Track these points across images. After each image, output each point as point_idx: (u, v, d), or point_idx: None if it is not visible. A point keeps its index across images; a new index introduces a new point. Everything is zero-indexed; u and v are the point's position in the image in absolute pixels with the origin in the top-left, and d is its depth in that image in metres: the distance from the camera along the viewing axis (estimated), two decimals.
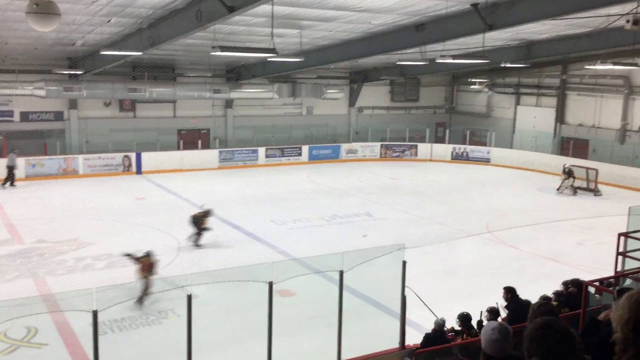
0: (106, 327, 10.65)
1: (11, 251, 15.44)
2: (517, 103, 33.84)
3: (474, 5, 14.98)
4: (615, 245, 11.53)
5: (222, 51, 13.61)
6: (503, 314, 9.21)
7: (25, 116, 26.62)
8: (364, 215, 20.17)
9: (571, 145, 29.74)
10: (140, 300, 11.72)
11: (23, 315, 7.33)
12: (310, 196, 23.34)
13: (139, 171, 27.30)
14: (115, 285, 9.67)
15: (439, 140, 34.80)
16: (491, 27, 15.17)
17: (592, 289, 8.94)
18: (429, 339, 8.76)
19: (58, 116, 27.36)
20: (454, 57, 17.60)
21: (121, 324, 11.02)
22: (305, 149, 31.71)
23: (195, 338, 7.63)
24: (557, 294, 9.86)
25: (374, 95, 35.27)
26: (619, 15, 15.17)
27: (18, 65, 25.19)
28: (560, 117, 31.13)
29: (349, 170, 29.46)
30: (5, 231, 17.28)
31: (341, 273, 8.57)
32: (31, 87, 24.99)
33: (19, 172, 24.06)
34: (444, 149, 33.19)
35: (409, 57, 23.34)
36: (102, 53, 19.01)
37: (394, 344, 9.14)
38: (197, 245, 15.91)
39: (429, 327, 9.13)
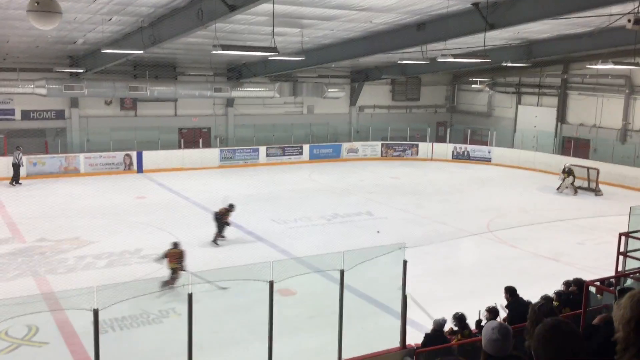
0: (107, 326, 10.66)
1: (12, 250, 15.46)
2: (518, 102, 33.82)
3: (475, 4, 14.96)
4: (616, 245, 11.53)
5: (223, 50, 13.60)
6: (503, 313, 9.21)
7: (26, 115, 26.63)
8: (364, 214, 20.18)
9: (572, 144, 29.72)
10: (165, 284, 12.03)
11: (24, 313, 7.35)
12: (311, 195, 23.35)
13: (140, 170, 27.31)
14: (116, 284, 9.66)
15: (440, 139, 34.79)
16: (492, 27, 15.15)
17: (593, 289, 8.94)
18: (428, 338, 8.77)
19: (59, 115, 27.37)
20: (455, 56, 17.56)
21: (122, 323, 11.03)
22: (306, 148, 31.71)
23: (196, 337, 7.63)
24: (558, 293, 9.85)
25: (375, 94, 35.27)
26: (620, 14, 15.15)
27: (19, 63, 25.19)
28: (561, 117, 31.11)
29: (349, 170, 29.46)
30: (7, 229, 17.30)
31: (342, 272, 8.58)
32: (32, 86, 25.00)
33: (20, 171, 24.07)
34: (445, 148, 33.18)
35: (410, 56, 23.31)
36: (103, 51, 18.99)
37: (395, 343, 9.15)
38: (218, 241, 16.19)
39: (430, 326, 9.12)
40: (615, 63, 19.96)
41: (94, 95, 26.72)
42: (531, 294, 9.50)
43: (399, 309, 9.19)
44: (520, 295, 9.48)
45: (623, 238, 11.55)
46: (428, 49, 21.68)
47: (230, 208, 16.45)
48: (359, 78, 33.49)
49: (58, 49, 23.53)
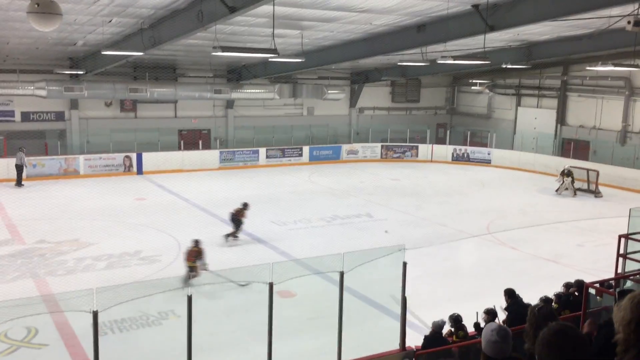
0: (106, 328, 10.65)
1: (12, 251, 15.45)
2: (518, 104, 33.84)
3: (475, 6, 14.97)
4: (616, 246, 11.52)
5: (223, 51, 13.61)
6: (502, 315, 9.20)
7: (26, 116, 26.63)
8: (364, 216, 20.17)
9: (572, 146, 29.72)
10: (185, 281, 12.23)
11: (23, 315, 7.33)
12: (310, 197, 23.35)
13: (139, 171, 27.31)
14: (116, 286, 9.66)
15: (440, 141, 34.79)
16: (492, 28, 15.16)
17: (592, 291, 8.94)
18: (428, 340, 8.76)
19: (59, 116, 27.37)
20: (455, 58, 17.57)
21: (121, 325, 11.02)
22: (306, 149, 31.72)
23: (196, 339, 7.62)
24: (558, 295, 9.85)
25: (375, 95, 35.29)
26: (620, 16, 15.16)
27: (19, 65, 25.21)
28: (561, 119, 31.13)
29: (349, 171, 29.47)
30: (6, 231, 17.29)
31: (341, 274, 8.57)
32: (32, 87, 25.01)
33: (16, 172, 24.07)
34: (445, 150, 33.19)
35: (410, 58, 23.34)
36: (103, 53, 19.01)
37: (395, 345, 9.14)
38: (231, 240, 16.46)
39: (429, 329, 9.11)
40: (615, 65, 19.98)
41: (94, 96, 26.72)
42: (531, 296, 9.50)
43: (398, 310, 9.19)
44: (520, 297, 9.48)
45: (623, 240, 11.55)
46: (428, 51, 21.69)
47: (244, 207, 16.79)
48: (358, 80, 33.50)
49: (58, 51, 23.55)
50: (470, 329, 9.11)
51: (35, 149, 25.94)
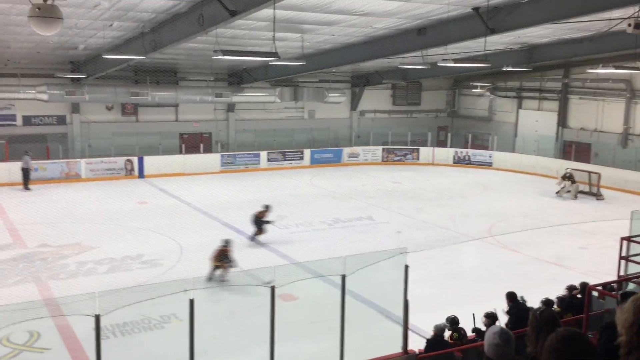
0: (108, 332, 10.64)
1: (14, 255, 15.46)
2: (519, 107, 33.83)
3: (476, 9, 14.99)
4: (618, 249, 11.51)
5: (224, 55, 13.62)
6: (503, 318, 9.17)
7: (27, 120, 26.67)
8: (366, 219, 20.16)
9: (573, 149, 29.70)
10: (221, 280, 13.13)
11: (25, 319, 7.35)
12: (312, 200, 23.34)
13: (141, 175, 27.32)
14: (118, 290, 9.67)
15: (441, 144, 34.78)
16: (493, 31, 15.17)
17: (595, 293, 8.93)
18: (430, 344, 8.75)
19: (60, 120, 27.41)
20: (456, 60, 17.58)
21: (123, 329, 11.02)
22: (307, 152, 31.72)
23: (198, 342, 7.62)
24: (560, 298, 9.83)
25: (376, 99, 35.30)
26: (621, 19, 15.18)
27: (20, 69, 25.25)
28: (562, 121, 31.12)
29: (350, 174, 29.46)
30: (8, 235, 17.30)
31: (343, 277, 8.56)
32: (34, 91, 25.04)
33: (22, 176, 24.08)
34: (446, 153, 33.18)
35: (410, 61, 23.38)
36: (104, 57, 19.04)
37: (397, 348, 9.13)
38: (257, 239, 16.92)
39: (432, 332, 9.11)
40: (616, 67, 20.00)
41: (95, 100, 26.75)
42: (533, 299, 9.49)
43: (400, 314, 9.18)
44: (525, 300, 9.46)
45: (625, 242, 11.55)
46: (429, 54, 21.72)
47: (266, 209, 17.18)
48: (359, 83, 33.53)
49: (59, 55, 23.59)
50: (469, 331, 9.11)
51: (37, 153, 25.93)
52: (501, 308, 9.33)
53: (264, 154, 30.51)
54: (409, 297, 9.07)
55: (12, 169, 24.25)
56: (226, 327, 11.40)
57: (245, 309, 11.95)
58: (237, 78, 29.66)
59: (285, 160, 31.00)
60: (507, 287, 9.83)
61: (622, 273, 11.49)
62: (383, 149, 33.43)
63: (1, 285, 13.19)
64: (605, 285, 9.39)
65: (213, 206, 21.36)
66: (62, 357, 10.02)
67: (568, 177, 24.59)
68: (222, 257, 13.46)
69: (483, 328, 8.78)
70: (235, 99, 29.65)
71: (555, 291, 10.28)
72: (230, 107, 30.92)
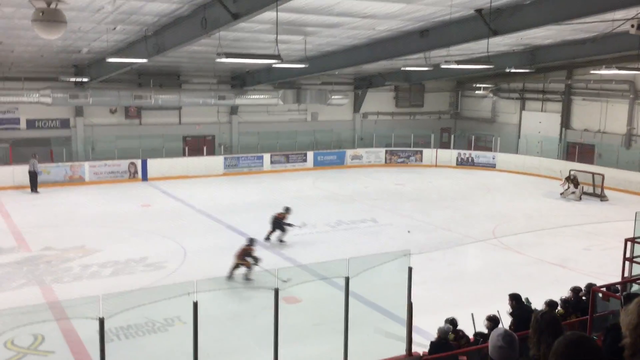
0: (113, 335, 10.66)
1: (18, 259, 15.49)
2: (522, 108, 33.79)
3: (478, 10, 14.98)
4: (622, 250, 11.49)
5: (227, 58, 13.64)
6: (505, 321, 9.14)
7: (31, 123, 26.73)
8: (369, 221, 20.15)
9: (577, 150, 29.66)
10: (245, 278, 13.53)
11: (30, 322, 7.37)
12: (315, 202, 23.34)
13: (144, 178, 27.37)
14: (122, 293, 9.68)
15: (444, 145, 34.77)
16: (495, 33, 15.16)
17: (599, 295, 8.91)
18: (434, 346, 8.74)
19: (64, 123, 27.48)
20: (459, 62, 17.57)
21: (127, 332, 11.02)
22: (310, 155, 31.73)
23: (201, 345, 7.63)
24: (564, 300, 9.80)
25: (379, 101, 35.30)
26: (624, 19, 15.16)
27: (24, 72, 25.33)
28: (565, 122, 31.07)
29: (353, 176, 29.46)
30: (12, 239, 17.34)
31: (347, 279, 8.56)
32: (37, 95, 25.13)
33: (25, 179, 24.15)
34: (449, 155, 33.15)
35: (413, 63, 23.36)
36: (107, 60, 19.08)
37: (401, 350, 9.12)
38: (283, 239, 17.23)
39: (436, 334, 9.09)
40: (619, 68, 19.95)
41: (99, 103, 26.83)
42: (537, 300, 9.47)
43: (404, 316, 9.17)
44: (530, 302, 9.44)
45: (629, 243, 11.52)
46: (431, 56, 21.71)
47: (286, 211, 17.35)
48: (362, 85, 33.54)
49: (63, 58, 23.66)
50: (471, 335, 9.08)
51: (40, 157, 26.01)
52: (506, 310, 9.30)
53: (267, 157, 30.53)
54: (412, 299, 9.07)
55: (16, 173, 24.34)
56: (230, 330, 11.40)
57: (249, 311, 11.95)
58: (240, 81, 29.70)
59: (288, 162, 31.02)
60: (510, 289, 9.81)
61: (626, 274, 11.47)
62: (386, 151, 33.43)
63: (5, 289, 13.22)
64: (609, 287, 9.36)
65: (216, 209, 21.38)
66: None
67: (572, 179, 24.55)
68: (246, 256, 13.75)
69: (486, 331, 8.76)
70: (238, 101, 29.70)
71: (559, 293, 10.25)
72: (233, 110, 30.96)
